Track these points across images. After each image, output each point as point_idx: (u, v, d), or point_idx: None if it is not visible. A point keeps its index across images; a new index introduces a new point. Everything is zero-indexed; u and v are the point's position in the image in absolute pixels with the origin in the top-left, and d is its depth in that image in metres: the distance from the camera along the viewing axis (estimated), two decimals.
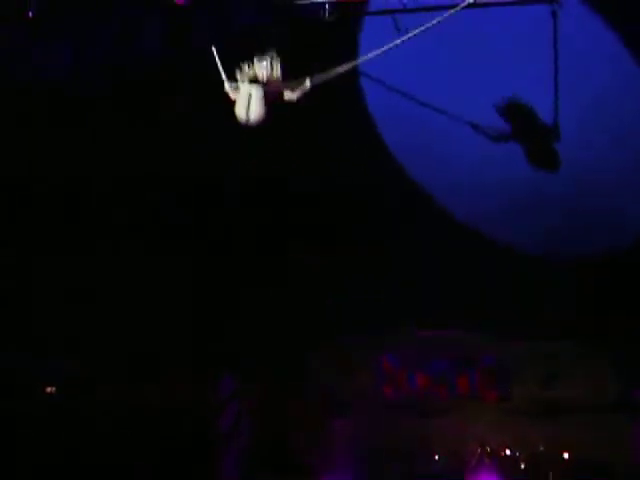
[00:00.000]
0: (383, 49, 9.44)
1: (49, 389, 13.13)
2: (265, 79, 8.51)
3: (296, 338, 12.85)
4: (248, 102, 8.45)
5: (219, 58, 8.87)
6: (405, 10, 11.35)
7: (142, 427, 12.47)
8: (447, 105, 11.98)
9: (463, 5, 9.74)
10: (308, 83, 8.69)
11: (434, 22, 9.53)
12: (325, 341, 13.04)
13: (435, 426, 12.83)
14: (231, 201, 12.88)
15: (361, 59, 9.75)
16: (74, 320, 12.57)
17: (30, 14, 12.03)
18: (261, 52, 8.71)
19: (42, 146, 12.67)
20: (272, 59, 8.58)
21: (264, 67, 8.52)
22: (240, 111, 8.43)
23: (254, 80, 8.50)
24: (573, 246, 12.51)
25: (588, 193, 12.23)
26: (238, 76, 8.53)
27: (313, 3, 11.32)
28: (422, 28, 9.48)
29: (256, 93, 8.43)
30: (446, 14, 9.61)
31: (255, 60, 8.52)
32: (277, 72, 8.58)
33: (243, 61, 8.58)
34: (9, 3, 11.96)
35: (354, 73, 11.91)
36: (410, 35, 9.55)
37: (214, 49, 8.90)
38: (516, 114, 11.87)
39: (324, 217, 12.75)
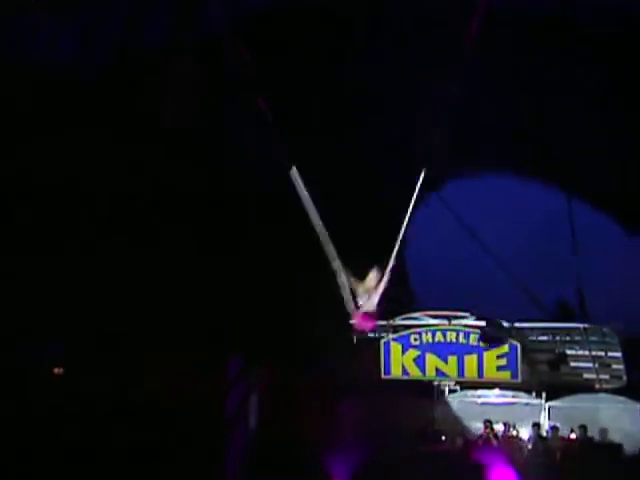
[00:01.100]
0: None
1: (57, 370, 13.05)
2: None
3: (303, 320, 12.84)
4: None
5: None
6: None
7: (149, 410, 12.42)
8: None
9: None
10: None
11: None
12: (335, 323, 13.03)
13: (442, 406, 12.88)
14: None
15: None
16: (82, 304, 12.51)
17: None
18: None
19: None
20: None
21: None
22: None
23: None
24: None
25: None
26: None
27: None
28: None
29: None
30: None
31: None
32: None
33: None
34: None
35: None
36: None
37: None
38: None
39: None
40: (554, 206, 13.15)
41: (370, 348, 13.25)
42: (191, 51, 12.85)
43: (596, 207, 13.60)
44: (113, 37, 12.55)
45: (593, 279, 13.20)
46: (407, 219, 8.24)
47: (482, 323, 13.20)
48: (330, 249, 8.37)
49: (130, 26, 12.55)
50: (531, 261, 13.99)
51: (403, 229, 8.20)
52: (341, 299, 8.90)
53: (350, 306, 8.32)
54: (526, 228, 14.30)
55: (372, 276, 8.28)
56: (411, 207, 8.13)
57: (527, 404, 13.12)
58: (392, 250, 8.15)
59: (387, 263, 8.13)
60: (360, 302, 8.23)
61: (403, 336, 13.26)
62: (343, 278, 8.31)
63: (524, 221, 14.37)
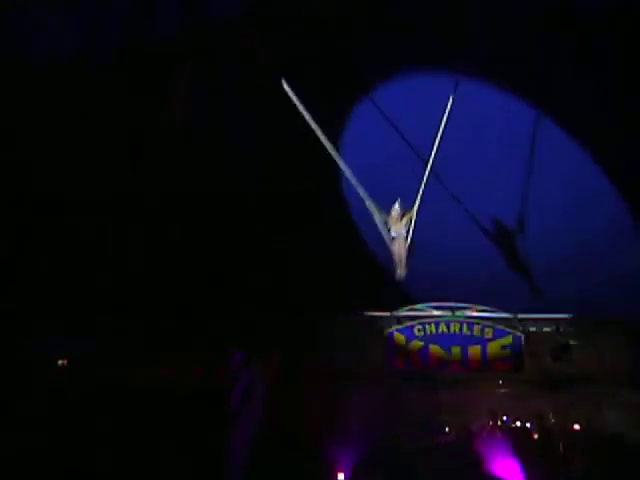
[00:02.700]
0: None
1: (61, 362, 13.08)
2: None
3: (310, 312, 12.87)
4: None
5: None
6: None
7: (154, 402, 12.45)
8: None
9: None
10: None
11: None
12: (339, 315, 13.07)
13: (447, 398, 12.88)
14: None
15: None
16: (88, 298, 12.55)
17: None
18: None
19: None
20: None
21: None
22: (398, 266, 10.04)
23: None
24: None
25: None
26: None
27: None
28: None
29: (400, 238, 10.04)
30: None
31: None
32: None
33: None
34: None
35: None
36: None
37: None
38: None
39: None
40: None
41: (374, 339, 13.27)
42: (196, 44, 12.84)
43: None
44: (117, 31, 12.52)
45: None
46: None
47: (486, 314, 13.25)
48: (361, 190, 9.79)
49: (134, 19, 12.52)
50: None
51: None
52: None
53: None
54: None
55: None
56: None
57: (530, 395, 13.09)
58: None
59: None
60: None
61: (407, 327, 13.28)
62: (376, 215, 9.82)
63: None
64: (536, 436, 12.46)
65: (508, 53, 12.16)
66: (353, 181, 10.19)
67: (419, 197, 10.22)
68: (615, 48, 11.99)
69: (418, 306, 13.37)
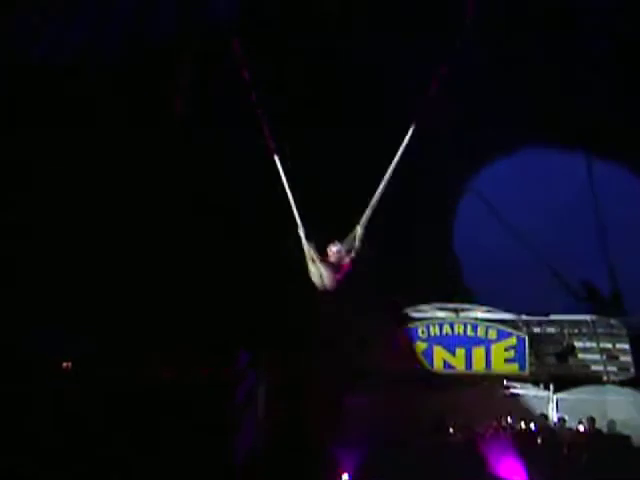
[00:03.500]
0: None
1: (65, 364, 13.09)
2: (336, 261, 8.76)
3: (312, 313, 12.85)
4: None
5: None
6: None
7: (159, 401, 12.46)
8: None
9: None
10: (359, 230, 8.78)
11: None
12: (341, 316, 13.05)
13: (451, 399, 12.86)
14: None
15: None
16: (92, 298, 12.56)
17: None
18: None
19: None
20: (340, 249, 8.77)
21: (337, 252, 8.73)
22: (317, 281, 8.89)
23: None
24: None
25: None
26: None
27: None
28: None
29: (325, 273, 8.77)
30: None
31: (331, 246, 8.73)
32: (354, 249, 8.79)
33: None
34: None
35: None
36: None
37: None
38: None
39: None
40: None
41: (380, 339, 13.27)
42: (196, 46, 12.86)
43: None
44: (120, 33, 12.55)
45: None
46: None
47: (490, 316, 13.26)
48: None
49: (137, 20, 12.56)
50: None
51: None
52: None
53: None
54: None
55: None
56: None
57: (535, 396, 13.08)
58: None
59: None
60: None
61: (411, 329, 13.29)
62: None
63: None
64: (540, 437, 12.42)
65: None
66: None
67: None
68: None
69: (422, 307, 13.38)
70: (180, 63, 12.88)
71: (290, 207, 8.75)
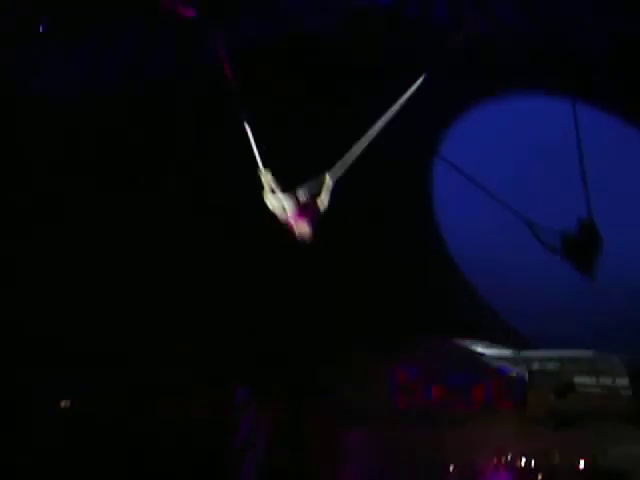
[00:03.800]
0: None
1: (63, 403, 13.08)
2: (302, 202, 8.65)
3: (312, 350, 12.87)
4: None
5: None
6: None
7: (159, 441, 12.45)
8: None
9: None
10: (329, 180, 8.72)
11: None
12: (341, 352, 13.05)
13: (451, 436, 12.80)
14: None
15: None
16: (91, 336, 12.60)
17: (41, 29, 12.12)
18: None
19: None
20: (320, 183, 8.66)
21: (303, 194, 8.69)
22: (281, 215, 8.74)
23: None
24: None
25: None
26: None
27: None
28: None
29: (288, 205, 8.65)
30: None
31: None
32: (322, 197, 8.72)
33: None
34: (23, 17, 12.04)
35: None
36: None
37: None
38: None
39: None
40: None
41: (377, 377, 13.24)
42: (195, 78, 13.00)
43: None
44: (120, 67, 12.69)
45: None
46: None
47: (489, 351, 13.23)
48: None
49: (137, 53, 12.70)
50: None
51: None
52: None
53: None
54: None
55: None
56: None
57: (535, 432, 13.01)
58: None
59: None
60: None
61: (409, 365, 13.25)
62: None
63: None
64: (541, 474, 12.35)
65: None
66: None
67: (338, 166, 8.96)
68: None
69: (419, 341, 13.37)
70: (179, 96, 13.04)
71: None
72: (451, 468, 12.74)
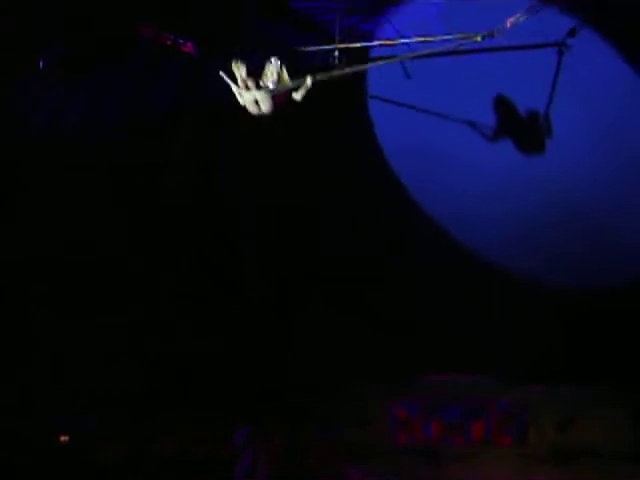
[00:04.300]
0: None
1: (63, 438, 13.08)
2: (270, 84, 8.94)
3: (310, 387, 12.86)
4: (257, 103, 8.95)
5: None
6: (412, 56, 11.52)
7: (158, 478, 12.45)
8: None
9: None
10: (309, 81, 9.22)
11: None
12: (339, 390, 13.04)
13: (451, 473, 12.76)
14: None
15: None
16: (91, 375, 12.62)
17: (41, 65, 12.19)
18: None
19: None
20: (278, 65, 8.97)
21: (270, 73, 8.93)
22: (251, 108, 9.08)
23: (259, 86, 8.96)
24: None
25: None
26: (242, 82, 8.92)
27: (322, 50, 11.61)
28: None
29: (262, 97, 8.90)
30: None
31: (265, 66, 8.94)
32: (284, 76, 9.02)
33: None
34: (21, 54, 12.12)
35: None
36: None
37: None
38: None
39: None
40: None
41: (377, 414, 13.21)
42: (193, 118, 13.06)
43: None
44: (116, 108, 12.75)
45: None
46: None
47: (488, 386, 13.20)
48: None
49: (137, 90, 12.76)
50: None
51: None
52: None
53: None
54: None
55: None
56: None
57: (535, 468, 12.96)
58: None
59: None
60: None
61: (409, 401, 13.22)
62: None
63: None
64: None
65: None
66: None
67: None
68: None
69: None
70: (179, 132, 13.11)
71: None
72: None
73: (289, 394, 12.81)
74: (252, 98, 9.07)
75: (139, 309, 12.75)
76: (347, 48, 11.23)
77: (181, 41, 12.20)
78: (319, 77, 9.58)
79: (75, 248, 12.91)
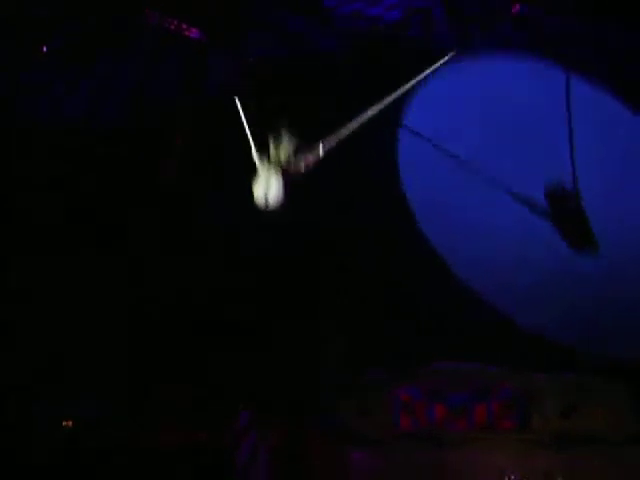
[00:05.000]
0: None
1: (65, 423, 13.07)
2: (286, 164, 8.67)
3: (313, 372, 12.87)
4: (267, 185, 8.64)
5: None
6: None
7: (159, 464, 12.41)
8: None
9: None
10: (321, 151, 8.77)
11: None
12: (343, 374, 13.05)
13: (453, 458, 12.77)
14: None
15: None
16: (94, 361, 12.64)
17: (45, 49, 12.19)
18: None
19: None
20: (290, 140, 8.69)
21: (286, 151, 8.65)
22: (259, 194, 8.63)
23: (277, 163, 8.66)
24: None
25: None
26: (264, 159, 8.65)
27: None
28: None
29: (277, 181, 8.61)
30: None
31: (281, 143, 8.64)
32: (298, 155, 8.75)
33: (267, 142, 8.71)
34: (26, 40, 12.12)
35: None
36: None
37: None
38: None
39: None
40: None
41: (379, 399, 13.21)
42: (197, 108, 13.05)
43: None
44: (125, 94, 12.75)
45: None
46: None
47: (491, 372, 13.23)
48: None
49: (142, 82, 12.77)
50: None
51: None
52: None
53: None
54: None
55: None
56: None
57: (538, 453, 12.97)
58: None
59: None
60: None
61: (412, 386, 13.23)
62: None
63: None
64: None
65: None
66: None
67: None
68: None
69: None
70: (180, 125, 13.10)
71: None
72: None
73: (291, 380, 12.79)
74: (267, 183, 8.76)
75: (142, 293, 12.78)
76: None
77: (185, 26, 12.18)
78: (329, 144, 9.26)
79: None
